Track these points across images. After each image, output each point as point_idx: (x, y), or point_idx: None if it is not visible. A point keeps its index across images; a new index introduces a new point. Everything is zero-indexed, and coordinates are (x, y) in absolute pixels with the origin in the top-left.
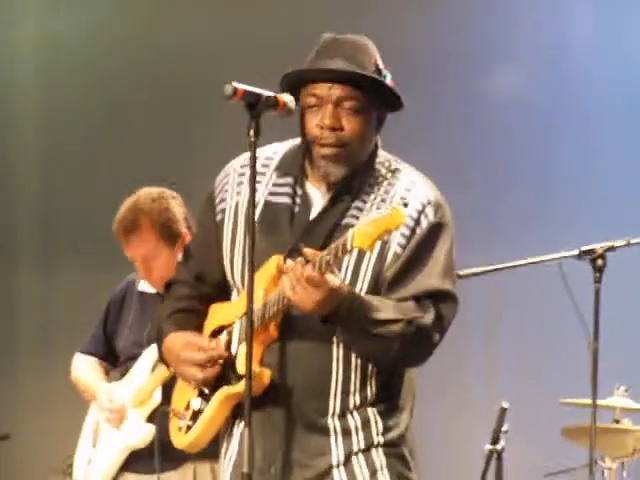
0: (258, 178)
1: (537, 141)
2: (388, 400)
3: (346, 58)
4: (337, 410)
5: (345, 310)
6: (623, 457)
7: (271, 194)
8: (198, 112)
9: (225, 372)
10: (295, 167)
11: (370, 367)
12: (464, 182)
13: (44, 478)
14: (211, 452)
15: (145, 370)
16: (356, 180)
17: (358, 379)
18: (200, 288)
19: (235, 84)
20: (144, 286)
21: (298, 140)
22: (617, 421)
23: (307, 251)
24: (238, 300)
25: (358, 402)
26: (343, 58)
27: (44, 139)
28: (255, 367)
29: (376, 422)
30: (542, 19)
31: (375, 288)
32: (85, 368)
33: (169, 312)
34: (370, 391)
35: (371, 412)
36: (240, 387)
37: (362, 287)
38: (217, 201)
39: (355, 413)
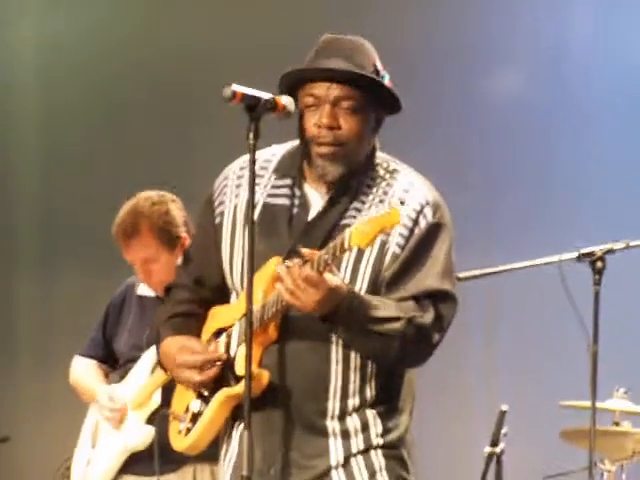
0: (257, 180)
1: (536, 142)
2: (387, 402)
3: (344, 58)
4: (336, 412)
5: (345, 309)
6: (622, 460)
7: (270, 196)
8: (198, 112)
9: (224, 374)
10: (293, 169)
11: (369, 368)
12: (463, 183)
13: None
14: (211, 454)
15: (144, 372)
16: (354, 181)
17: (357, 380)
18: (199, 292)
19: (234, 87)
20: (143, 290)
21: (297, 142)
22: (617, 423)
23: (305, 251)
24: (237, 302)
25: (357, 404)
26: (341, 58)
27: (44, 139)
28: (254, 368)
29: (375, 424)
30: (541, 19)
31: (374, 289)
32: (84, 371)
33: (167, 316)
34: (369, 393)
35: (370, 414)
36: (239, 388)
37: (361, 287)
38: (216, 204)
39: (354, 415)
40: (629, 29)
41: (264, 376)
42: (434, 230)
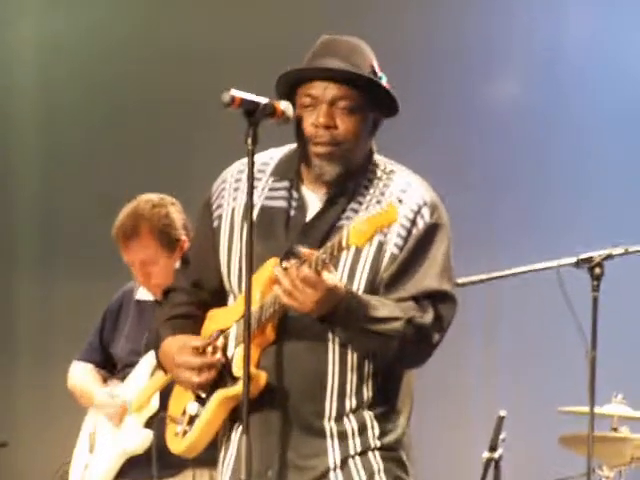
0: (255, 183)
1: (535, 143)
2: (385, 403)
3: (342, 59)
4: (333, 413)
5: (343, 309)
6: (621, 465)
7: (267, 198)
8: (198, 113)
9: (221, 376)
10: (291, 171)
11: (366, 368)
12: (461, 185)
13: None
14: (210, 459)
15: (143, 376)
16: (351, 182)
17: (354, 381)
18: (198, 294)
19: (233, 92)
20: (142, 294)
21: (294, 145)
22: (615, 429)
23: (303, 250)
24: (235, 304)
25: (354, 405)
26: (339, 59)
27: (44, 140)
28: (251, 369)
29: (372, 426)
30: (538, 21)
31: (371, 289)
32: (82, 375)
33: (166, 317)
34: (367, 394)
35: (368, 416)
36: (236, 389)
37: (358, 288)
38: (214, 207)
39: (351, 416)
40: (625, 31)
41: (261, 377)
42: (432, 230)
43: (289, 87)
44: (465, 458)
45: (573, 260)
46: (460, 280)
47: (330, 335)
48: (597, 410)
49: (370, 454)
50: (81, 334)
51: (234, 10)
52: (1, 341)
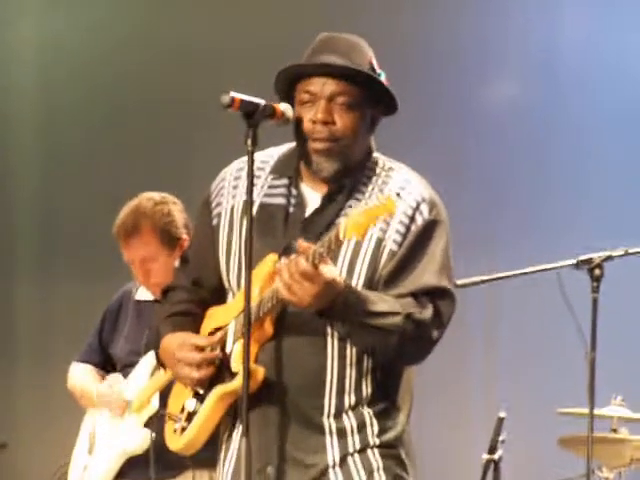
0: (254, 181)
1: (533, 145)
2: (384, 400)
3: (340, 55)
4: (332, 409)
5: (341, 303)
6: (620, 467)
7: (266, 196)
8: (198, 113)
9: (220, 371)
10: (290, 169)
11: (366, 365)
12: (460, 186)
13: None
14: (209, 460)
15: (143, 376)
16: (350, 179)
17: (354, 377)
18: (198, 292)
19: (233, 94)
20: (141, 294)
21: (294, 143)
22: (614, 430)
23: (301, 243)
24: (234, 301)
25: (353, 401)
26: (337, 55)
27: (44, 140)
28: (249, 364)
29: (372, 423)
30: (534, 21)
31: (370, 286)
32: (81, 376)
33: (166, 315)
34: (366, 390)
35: (367, 413)
36: (234, 385)
37: (357, 285)
38: (213, 205)
39: (350, 413)
40: (621, 31)
41: (259, 372)
42: (430, 227)
43: (288, 84)
44: (464, 459)
45: (573, 262)
46: (460, 282)
47: (329, 330)
48: (597, 412)
49: (369, 452)
50: (81, 335)
51: (234, 10)
52: (1, 342)
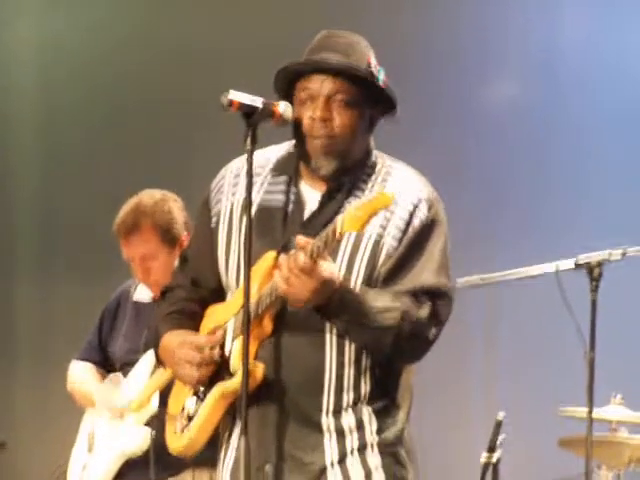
0: (254, 179)
1: (532, 145)
2: (383, 399)
3: (339, 53)
4: (331, 407)
5: (339, 299)
6: (619, 467)
7: (266, 194)
8: (198, 113)
9: (220, 370)
10: (290, 167)
11: (364, 363)
12: (460, 187)
13: None
14: (209, 459)
15: (143, 376)
16: (349, 177)
17: (352, 375)
18: (197, 292)
19: (231, 95)
20: (139, 295)
21: (294, 142)
22: (614, 430)
23: (300, 239)
24: (233, 299)
25: (352, 399)
26: (336, 53)
27: (44, 140)
28: (249, 362)
29: (370, 422)
30: (534, 21)
31: (369, 284)
32: (81, 375)
33: (166, 313)
34: (364, 388)
35: (366, 411)
36: (233, 383)
37: (356, 283)
38: (212, 204)
39: (349, 411)
40: (621, 31)
41: (259, 370)
42: (429, 226)
43: (287, 82)
44: (463, 460)
45: (572, 263)
46: (459, 283)
47: (328, 328)
48: (596, 411)
49: (368, 450)
50: (80, 334)
51: (234, 10)
52: (0, 341)
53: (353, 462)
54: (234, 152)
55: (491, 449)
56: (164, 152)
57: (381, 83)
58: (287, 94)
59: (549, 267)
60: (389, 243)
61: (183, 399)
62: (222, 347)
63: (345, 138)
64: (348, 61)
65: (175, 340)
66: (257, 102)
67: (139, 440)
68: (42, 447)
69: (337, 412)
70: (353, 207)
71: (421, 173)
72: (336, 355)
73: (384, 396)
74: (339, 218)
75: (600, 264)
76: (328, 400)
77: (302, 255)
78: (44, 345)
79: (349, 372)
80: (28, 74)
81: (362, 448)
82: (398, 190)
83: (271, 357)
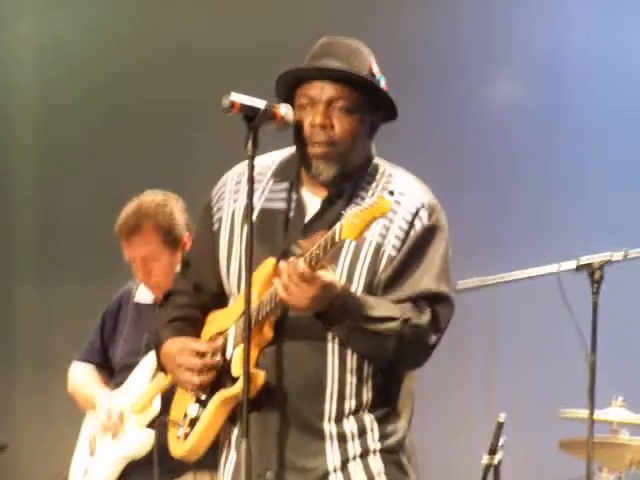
0: (255, 185)
1: (535, 146)
2: (385, 406)
3: (340, 59)
4: (333, 414)
5: (339, 306)
6: (621, 469)
7: (267, 200)
8: (198, 113)
9: (221, 376)
10: (291, 173)
11: (366, 371)
12: (461, 188)
13: None
14: (210, 462)
15: (145, 378)
16: (350, 183)
17: (354, 383)
18: (199, 297)
19: (233, 97)
20: (140, 296)
21: (295, 148)
22: (615, 431)
23: (302, 243)
24: (234, 305)
25: (354, 407)
26: (337, 59)
27: (43, 140)
28: (250, 369)
29: (372, 429)
30: (537, 23)
31: (370, 291)
32: (82, 376)
33: (167, 320)
34: (366, 396)
35: (367, 418)
36: (235, 389)
37: (357, 290)
38: (214, 210)
39: (351, 418)
40: (624, 33)
41: (260, 377)
42: (430, 232)
43: (288, 88)
44: (464, 462)
45: (573, 265)
46: (459, 286)
47: (330, 335)
48: (597, 413)
49: (370, 456)
50: (81, 336)
51: (234, 10)
52: (0, 343)
53: (356, 467)
54: (234, 152)
55: (492, 451)
56: (164, 152)
57: (382, 87)
58: (288, 99)
59: (550, 269)
60: (390, 250)
61: (185, 405)
62: (224, 354)
63: (345, 144)
64: (349, 67)
65: (176, 347)
66: (258, 104)
67: (141, 443)
68: (43, 449)
69: (339, 419)
70: (351, 215)
71: (423, 174)
72: (338, 362)
73: (386, 404)
74: (337, 225)
75: (601, 266)
76: (330, 407)
77: (301, 262)
78: (44, 347)
79: (351, 380)
80: (28, 74)
81: (364, 454)
82: (399, 197)
83: (272, 364)
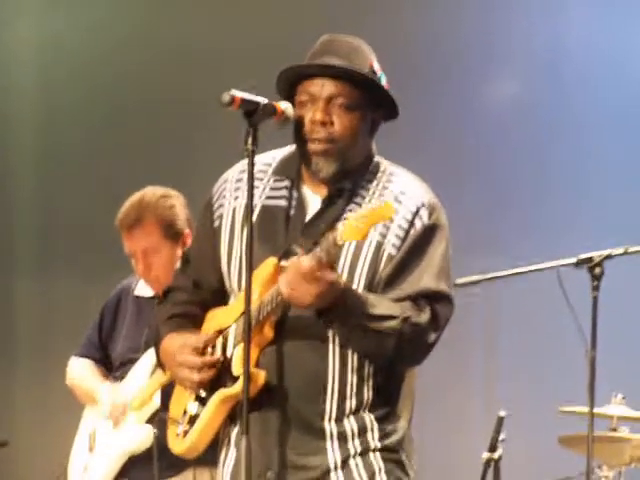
0: (256, 183)
1: (535, 145)
2: (385, 406)
3: (341, 57)
4: (333, 413)
5: (342, 304)
6: (620, 465)
7: (268, 198)
8: (198, 113)
9: (221, 375)
10: (292, 171)
11: (367, 370)
12: (461, 186)
13: None
14: (210, 459)
15: (144, 374)
16: (350, 182)
17: (355, 382)
18: (198, 294)
19: (233, 92)
20: (140, 290)
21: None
22: (614, 429)
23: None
24: (234, 303)
25: (355, 406)
26: (338, 57)
27: (43, 140)
28: (250, 368)
29: (372, 428)
30: (538, 22)
31: (370, 290)
32: (81, 371)
33: (167, 316)
34: (367, 395)
35: (368, 418)
36: (235, 389)
37: (358, 288)
38: (215, 207)
39: (352, 417)
40: (625, 31)
41: (260, 376)
42: (430, 231)
43: (289, 85)
44: (465, 458)
45: (573, 260)
46: (459, 280)
47: (330, 335)
48: (597, 411)
49: (371, 454)
50: (81, 332)
51: (234, 10)
52: (0, 339)
53: (357, 465)
54: (234, 152)
55: (493, 446)
56: (164, 152)
57: (383, 86)
58: (289, 97)
59: (550, 265)
60: (390, 249)
61: (185, 403)
62: (224, 352)
63: (345, 141)
64: (349, 64)
65: (176, 343)
66: (259, 99)
67: (140, 439)
68: (43, 443)
69: (339, 419)
70: (353, 218)
71: (424, 172)
72: (339, 363)
73: (386, 404)
74: (339, 228)
75: (601, 262)
76: (331, 407)
77: (307, 260)
78: (44, 342)
79: (352, 380)
80: (28, 74)
81: (365, 452)
82: (399, 197)
83: (273, 364)
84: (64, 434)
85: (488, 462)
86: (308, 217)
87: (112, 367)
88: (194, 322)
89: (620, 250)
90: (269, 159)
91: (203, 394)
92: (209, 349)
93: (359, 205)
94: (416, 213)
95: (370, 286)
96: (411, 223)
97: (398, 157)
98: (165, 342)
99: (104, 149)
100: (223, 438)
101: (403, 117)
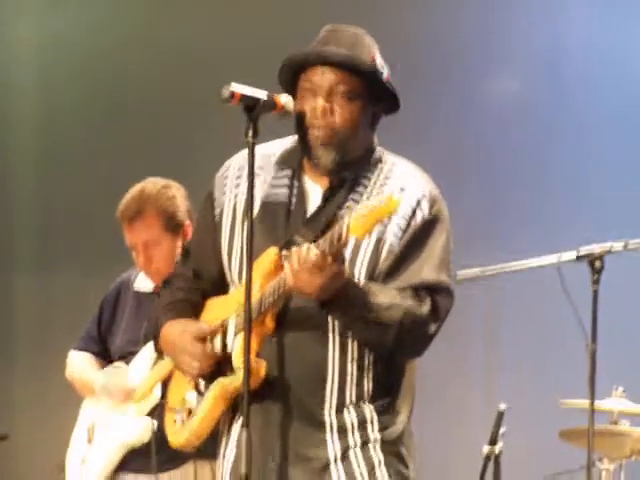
0: (258, 172)
1: (535, 143)
2: (385, 397)
3: (343, 47)
4: (333, 404)
5: (345, 294)
6: (621, 458)
7: (270, 187)
8: (198, 113)
9: (221, 365)
10: (294, 161)
11: (367, 361)
12: (462, 182)
13: (44, 478)
14: (211, 452)
15: (144, 367)
16: (351, 172)
17: (355, 373)
18: (199, 283)
19: (233, 87)
20: (140, 285)
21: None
22: (615, 422)
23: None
24: (234, 293)
25: (355, 397)
26: (340, 46)
27: (43, 139)
28: (251, 360)
29: (372, 421)
30: (538, 21)
31: (371, 281)
32: (80, 364)
33: (167, 302)
34: (367, 386)
35: (368, 409)
36: (235, 380)
37: (359, 280)
38: (215, 197)
39: (351, 409)
40: (625, 30)
41: (262, 367)
42: (431, 223)
43: (291, 75)
44: (465, 452)
45: (574, 255)
46: (460, 275)
47: (331, 326)
48: (597, 403)
49: (370, 447)
50: (80, 325)
51: (234, 10)
52: (0, 339)
53: (356, 457)
54: (234, 152)
55: (493, 440)
56: (164, 152)
57: (384, 78)
58: (291, 87)
59: (550, 259)
60: (391, 240)
61: (183, 392)
62: (224, 342)
63: (346, 130)
64: (352, 54)
65: (176, 330)
66: (259, 94)
67: (140, 431)
68: (42, 438)
69: (339, 409)
70: (359, 212)
71: (424, 169)
72: (339, 353)
73: (386, 396)
74: (344, 224)
75: (602, 256)
76: (331, 397)
77: (314, 250)
78: (43, 336)
79: (352, 370)
80: (28, 74)
81: (364, 444)
82: (400, 187)
83: (274, 355)
84: (63, 429)
85: (488, 455)
86: (309, 207)
87: (111, 360)
88: (194, 308)
89: (620, 244)
90: (271, 149)
91: (202, 383)
92: (209, 337)
93: (361, 195)
94: (417, 204)
95: (371, 278)
96: (412, 215)
97: (399, 154)
98: (165, 328)
99: (104, 149)
100: (223, 430)
101: (403, 117)
